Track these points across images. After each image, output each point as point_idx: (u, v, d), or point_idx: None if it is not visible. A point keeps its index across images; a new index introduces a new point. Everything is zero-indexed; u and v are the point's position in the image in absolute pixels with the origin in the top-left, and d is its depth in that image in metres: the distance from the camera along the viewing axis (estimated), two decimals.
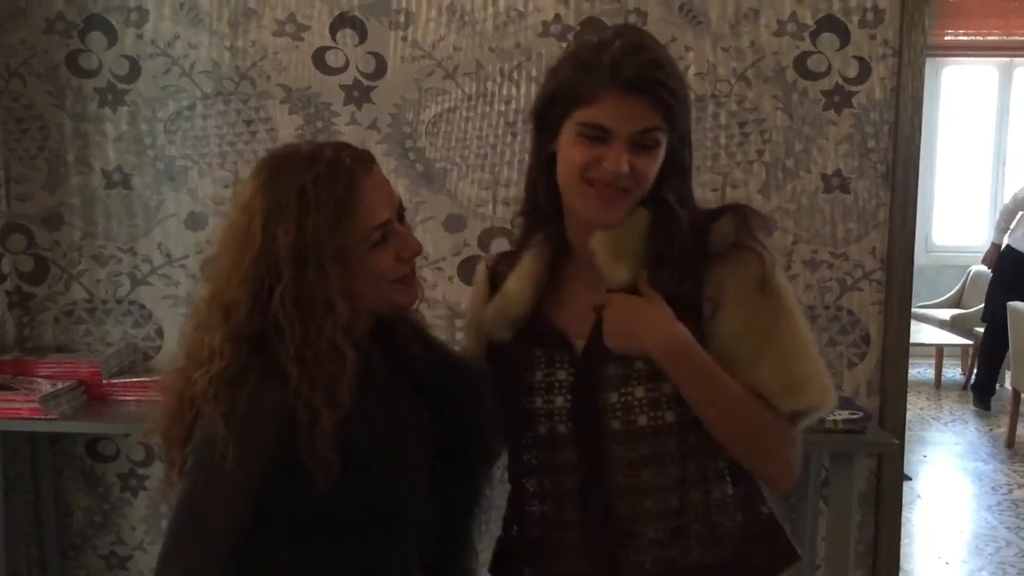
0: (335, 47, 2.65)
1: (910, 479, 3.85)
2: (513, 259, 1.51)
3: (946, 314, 7.02)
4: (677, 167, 1.40)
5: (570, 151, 1.36)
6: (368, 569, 1.38)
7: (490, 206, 2.67)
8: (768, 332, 1.36)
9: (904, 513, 2.80)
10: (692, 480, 1.41)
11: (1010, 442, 5.56)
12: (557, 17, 2.60)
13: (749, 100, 2.59)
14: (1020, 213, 6.27)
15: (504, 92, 2.63)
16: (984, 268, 6.80)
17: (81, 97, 2.72)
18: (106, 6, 2.69)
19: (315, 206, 1.31)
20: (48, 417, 2.47)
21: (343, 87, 2.66)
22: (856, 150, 2.60)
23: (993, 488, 4.94)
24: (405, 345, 1.48)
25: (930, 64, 2.89)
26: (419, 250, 1.42)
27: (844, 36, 2.57)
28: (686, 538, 1.41)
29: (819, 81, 2.58)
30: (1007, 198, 6.87)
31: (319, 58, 2.66)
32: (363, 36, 2.64)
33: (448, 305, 2.68)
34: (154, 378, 2.50)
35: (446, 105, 2.65)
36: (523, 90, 2.62)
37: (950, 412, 6.37)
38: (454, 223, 2.68)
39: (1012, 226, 6.33)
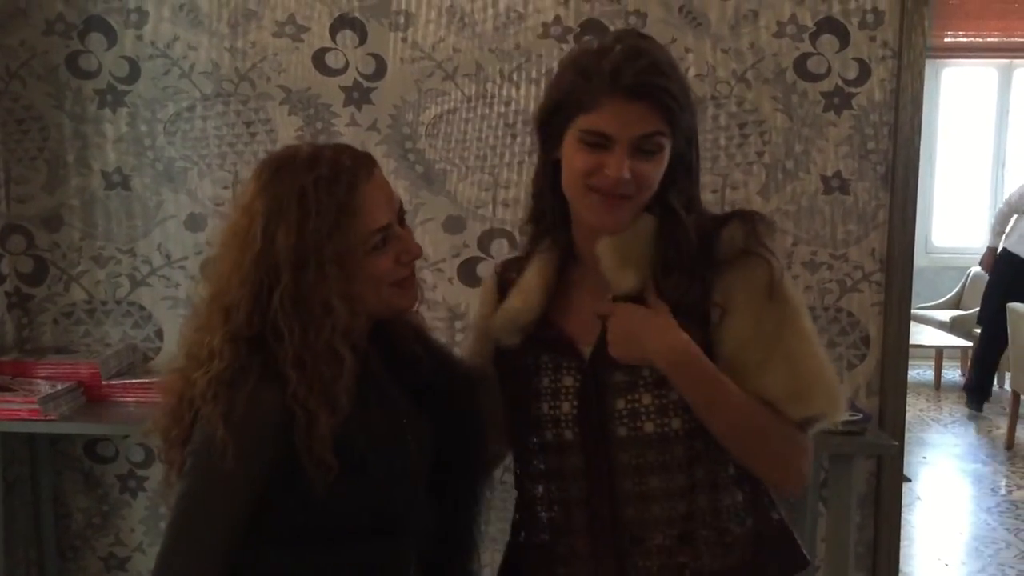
0: (335, 48, 2.65)
1: (909, 480, 3.85)
2: (522, 265, 1.52)
3: (946, 315, 7.03)
4: (683, 171, 1.40)
5: (573, 158, 1.36)
6: (367, 571, 1.38)
7: (490, 207, 2.67)
8: (776, 339, 1.36)
9: (904, 515, 2.80)
10: (700, 487, 1.40)
11: (1009, 444, 5.56)
12: (557, 19, 2.60)
13: (749, 102, 2.59)
14: (1015, 216, 6.26)
15: (504, 94, 2.63)
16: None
17: (81, 98, 2.72)
18: (106, 7, 2.69)
19: (315, 209, 1.31)
20: (47, 418, 2.46)
21: (343, 88, 2.66)
22: (856, 151, 2.60)
23: (992, 490, 4.94)
24: (406, 348, 1.48)
25: (930, 65, 2.89)
26: (419, 254, 1.42)
27: (844, 38, 2.57)
28: (695, 544, 1.40)
29: (819, 83, 2.58)
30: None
31: (319, 59, 2.66)
32: (363, 37, 2.64)
33: (448, 307, 2.68)
34: (153, 379, 2.50)
35: (446, 106, 2.65)
36: (523, 92, 2.62)
37: (950, 413, 6.37)
38: (454, 224, 2.68)
39: (1007, 230, 6.32)
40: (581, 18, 2.59)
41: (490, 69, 2.63)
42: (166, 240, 2.75)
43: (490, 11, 2.61)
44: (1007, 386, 6.20)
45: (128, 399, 2.62)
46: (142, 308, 2.78)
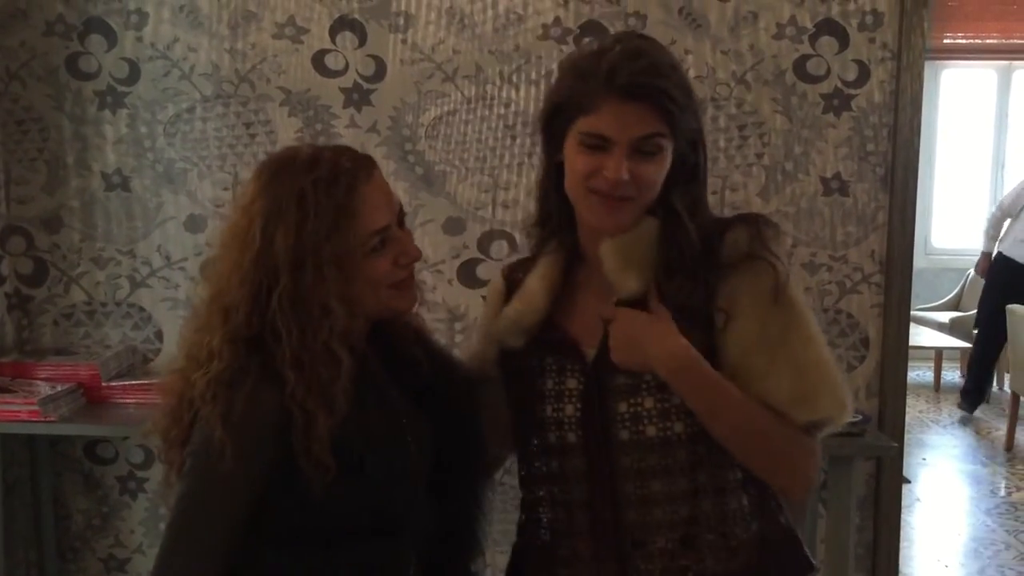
0: (335, 50, 2.65)
1: (909, 482, 3.84)
2: (529, 266, 1.52)
3: (945, 317, 7.02)
4: (687, 174, 1.39)
5: (574, 160, 1.36)
6: (366, 572, 1.38)
7: (489, 209, 2.67)
8: (781, 343, 1.35)
9: (903, 516, 2.80)
10: (704, 491, 1.40)
11: (1009, 445, 5.56)
12: (556, 20, 2.60)
13: (748, 103, 2.59)
14: (1008, 220, 6.24)
15: (503, 95, 2.63)
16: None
17: (81, 99, 2.72)
18: (106, 9, 2.69)
19: (314, 210, 1.31)
20: (47, 420, 2.46)
21: (343, 90, 2.66)
22: (855, 153, 2.60)
23: (992, 491, 4.94)
24: (406, 349, 1.48)
25: (929, 67, 2.89)
26: (418, 256, 1.42)
27: (843, 39, 2.57)
28: (698, 548, 1.40)
29: (818, 84, 2.58)
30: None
31: (319, 61, 2.66)
32: (363, 39, 2.64)
33: (448, 308, 2.68)
34: (153, 381, 2.51)
35: (445, 108, 2.65)
36: (522, 93, 2.62)
37: (949, 415, 6.37)
38: (453, 226, 2.68)
39: (1001, 234, 6.30)
40: (581, 20, 2.60)
41: (490, 71, 2.63)
42: (166, 241, 2.75)
43: (490, 13, 2.61)
44: (1007, 388, 6.20)
45: (128, 400, 2.62)
46: (142, 309, 2.79)
